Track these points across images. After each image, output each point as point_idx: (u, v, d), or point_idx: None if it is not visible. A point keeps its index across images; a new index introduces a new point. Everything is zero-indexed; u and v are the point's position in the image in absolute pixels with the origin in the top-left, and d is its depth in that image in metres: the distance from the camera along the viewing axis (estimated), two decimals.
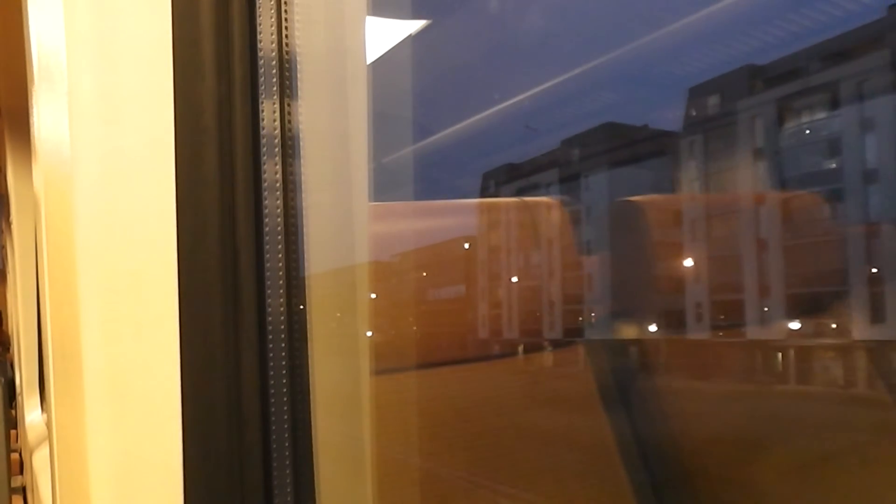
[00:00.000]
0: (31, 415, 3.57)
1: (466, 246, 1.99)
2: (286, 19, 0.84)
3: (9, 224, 3.79)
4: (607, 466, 1.58)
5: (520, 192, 2.85)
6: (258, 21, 0.82)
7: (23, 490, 3.48)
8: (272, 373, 0.82)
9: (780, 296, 1.78)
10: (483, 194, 2.84)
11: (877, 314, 1.65)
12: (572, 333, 2.00)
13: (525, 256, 2.02)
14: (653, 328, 1.84)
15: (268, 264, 0.82)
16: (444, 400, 1.60)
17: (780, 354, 1.67)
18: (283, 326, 0.83)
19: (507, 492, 1.52)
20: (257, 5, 0.82)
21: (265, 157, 0.82)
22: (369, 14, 0.94)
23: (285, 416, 0.82)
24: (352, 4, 0.93)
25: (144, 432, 0.76)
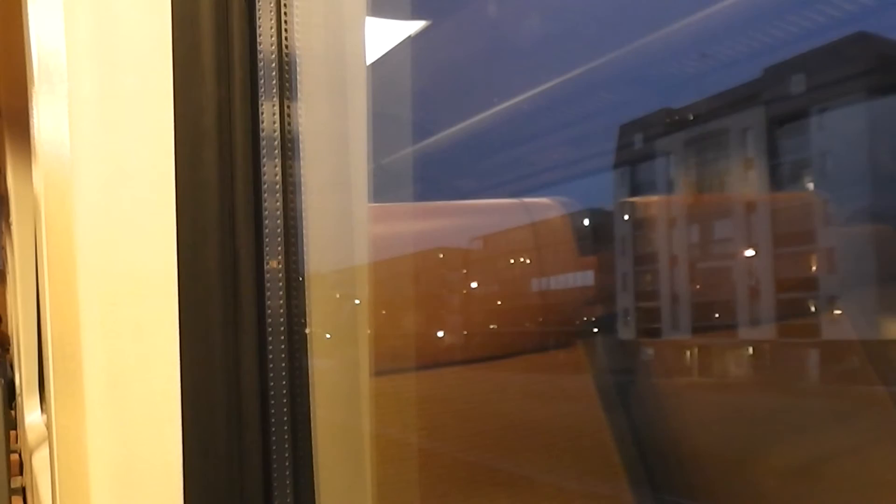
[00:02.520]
0: (31, 415, 3.57)
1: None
2: (286, 21, 0.84)
3: (9, 224, 3.79)
4: None
5: (688, 145, 2.17)
6: (258, 23, 0.83)
7: (23, 491, 3.48)
8: (272, 373, 0.82)
9: None
10: (622, 152, 2.23)
11: None
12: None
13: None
14: None
15: (268, 265, 0.82)
16: None
17: None
18: (283, 327, 0.83)
19: None
20: (257, 7, 0.83)
21: (265, 159, 0.82)
22: (369, 15, 0.94)
23: (285, 417, 0.82)
24: (351, 5, 0.93)
25: (144, 432, 0.76)
